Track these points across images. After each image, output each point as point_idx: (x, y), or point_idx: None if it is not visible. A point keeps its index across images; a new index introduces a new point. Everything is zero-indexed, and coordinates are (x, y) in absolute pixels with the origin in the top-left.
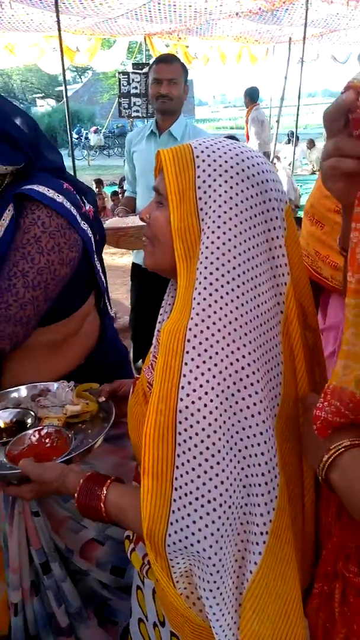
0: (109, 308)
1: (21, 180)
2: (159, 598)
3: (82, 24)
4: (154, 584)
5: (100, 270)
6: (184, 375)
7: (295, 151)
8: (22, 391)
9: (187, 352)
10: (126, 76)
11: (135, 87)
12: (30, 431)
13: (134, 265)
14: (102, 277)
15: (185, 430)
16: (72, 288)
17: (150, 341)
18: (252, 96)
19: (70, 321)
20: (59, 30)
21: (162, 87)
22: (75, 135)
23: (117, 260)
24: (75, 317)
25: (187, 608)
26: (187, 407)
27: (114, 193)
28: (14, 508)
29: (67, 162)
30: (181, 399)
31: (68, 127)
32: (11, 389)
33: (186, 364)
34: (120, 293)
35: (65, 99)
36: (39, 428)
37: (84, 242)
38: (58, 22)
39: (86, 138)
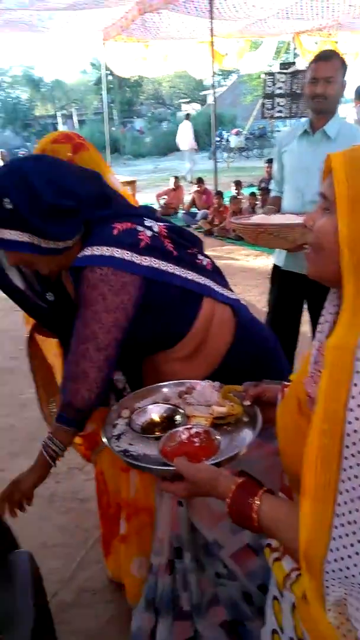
0: (231, 299)
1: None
2: (300, 615)
3: (233, 27)
4: (294, 598)
5: (196, 275)
6: (353, 397)
7: None
8: (171, 387)
9: (358, 372)
10: (271, 77)
11: (280, 88)
12: (181, 428)
13: (275, 267)
14: (203, 279)
15: (353, 455)
16: (167, 316)
17: (288, 346)
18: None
19: (193, 336)
20: (212, 35)
21: (317, 87)
22: (216, 138)
23: (251, 262)
24: (195, 330)
25: (337, 638)
26: (355, 431)
27: (252, 194)
28: None
29: (208, 165)
30: (349, 422)
31: (212, 130)
32: (161, 384)
33: (356, 384)
34: (252, 295)
35: (213, 103)
36: (188, 426)
37: (145, 276)
38: (211, 28)
39: (227, 140)
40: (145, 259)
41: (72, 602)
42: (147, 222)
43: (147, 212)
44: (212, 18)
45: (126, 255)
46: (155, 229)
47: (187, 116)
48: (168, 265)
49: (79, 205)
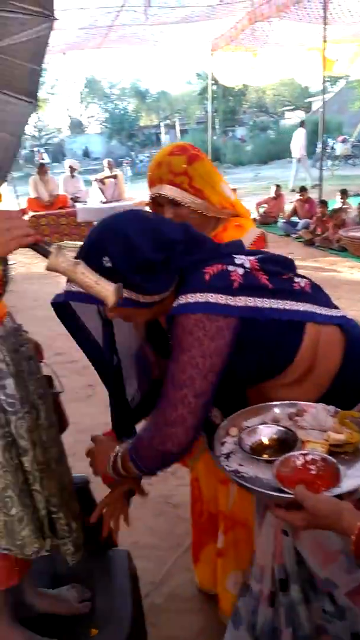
0: (336, 318)
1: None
2: None
3: (347, 32)
4: None
5: (294, 303)
6: None
7: None
8: (281, 407)
9: None
10: None
11: None
12: (296, 453)
13: None
14: (302, 305)
15: None
16: (267, 350)
17: None
18: None
19: (299, 363)
20: (324, 41)
21: None
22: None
23: (356, 275)
24: (301, 357)
25: None
26: None
27: None
28: (265, 512)
29: (314, 173)
30: None
31: (319, 138)
32: (271, 403)
33: None
34: (357, 310)
35: (322, 110)
36: (304, 452)
37: (241, 317)
38: (324, 35)
39: (332, 148)
40: (240, 299)
41: (163, 607)
42: (238, 260)
43: (236, 248)
44: (325, 24)
45: (220, 299)
46: (247, 265)
47: (302, 123)
48: (264, 301)
49: (173, 255)
